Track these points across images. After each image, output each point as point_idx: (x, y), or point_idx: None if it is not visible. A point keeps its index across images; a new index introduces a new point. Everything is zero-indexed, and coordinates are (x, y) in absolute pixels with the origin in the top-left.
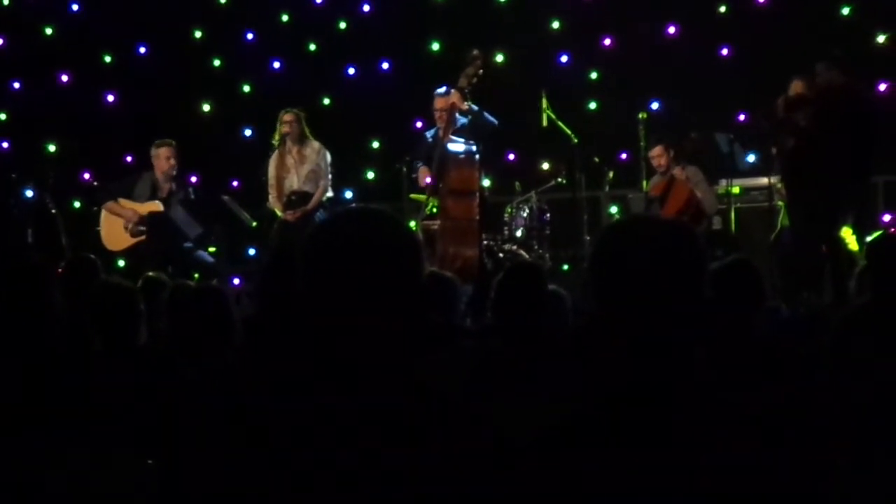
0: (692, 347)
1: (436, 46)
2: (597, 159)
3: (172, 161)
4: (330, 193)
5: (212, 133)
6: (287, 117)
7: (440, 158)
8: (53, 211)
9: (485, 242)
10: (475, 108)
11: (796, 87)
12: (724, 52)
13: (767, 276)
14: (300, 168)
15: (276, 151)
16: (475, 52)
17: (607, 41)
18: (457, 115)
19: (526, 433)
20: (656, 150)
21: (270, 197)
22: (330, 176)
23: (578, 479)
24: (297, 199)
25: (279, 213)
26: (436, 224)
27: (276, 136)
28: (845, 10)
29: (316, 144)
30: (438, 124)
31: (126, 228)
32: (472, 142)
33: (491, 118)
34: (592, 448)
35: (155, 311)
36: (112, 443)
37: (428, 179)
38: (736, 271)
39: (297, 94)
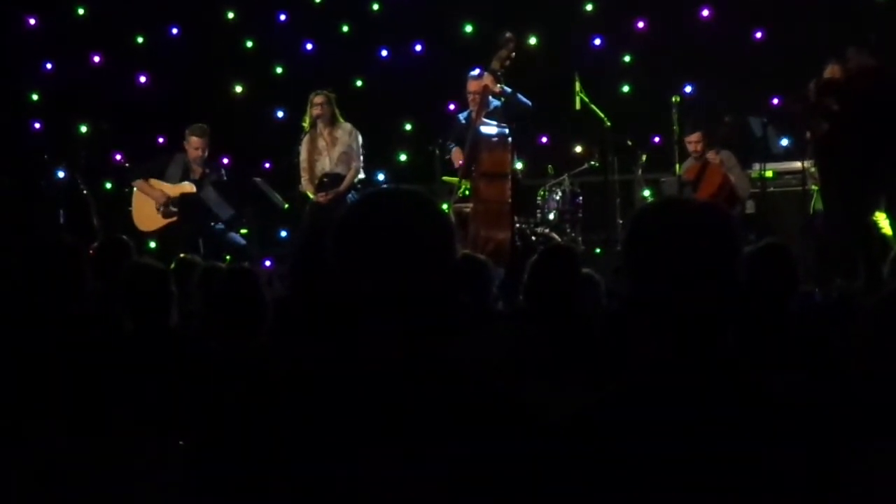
0: (726, 330)
1: (469, 29)
2: (630, 142)
3: (200, 151)
4: (362, 175)
5: (244, 114)
6: (318, 99)
7: (473, 141)
8: (85, 192)
9: (517, 225)
10: (508, 90)
11: (831, 70)
12: (758, 35)
13: (801, 260)
14: (332, 150)
15: (308, 134)
16: (508, 34)
17: (641, 24)
18: (490, 97)
19: (560, 417)
20: (694, 136)
21: (302, 180)
22: (361, 158)
23: (613, 464)
24: (328, 182)
25: (311, 195)
26: (468, 206)
27: (307, 119)
28: None
29: (347, 126)
30: (471, 107)
31: (158, 208)
32: (504, 125)
33: (525, 100)
34: (626, 433)
35: (186, 293)
36: (142, 424)
37: (460, 161)
38: (770, 255)
39: (329, 75)
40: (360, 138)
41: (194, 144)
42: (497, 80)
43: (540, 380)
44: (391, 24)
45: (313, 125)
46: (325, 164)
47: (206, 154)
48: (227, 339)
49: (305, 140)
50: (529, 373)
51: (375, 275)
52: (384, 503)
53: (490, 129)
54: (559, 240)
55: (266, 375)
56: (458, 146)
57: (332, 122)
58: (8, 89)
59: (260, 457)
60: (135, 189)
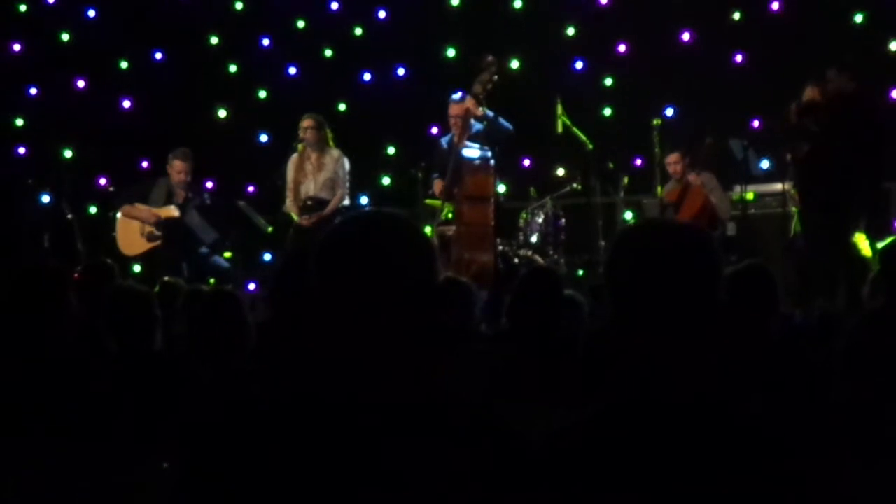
0: (707, 352)
1: (451, 53)
2: (611, 165)
3: (184, 176)
4: (347, 202)
5: (228, 139)
6: (305, 122)
7: (455, 164)
8: (69, 216)
9: (500, 248)
10: (490, 113)
11: (810, 92)
12: (738, 58)
13: (781, 281)
14: (318, 175)
15: (296, 154)
16: (490, 58)
17: (622, 48)
18: (472, 121)
19: (542, 439)
20: (672, 157)
21: (287, 200)
22: (347, 185)
23: (595, 486)
24: (313, 205)
25: (295, 217)
26: (451, 229)
27: (300, 144)
28: (859, 18)
29: (335, 152)
30: (453, 130)
31: (142, 233)
32: (486, 148)
33: (506, 124)
34: (608, 455)
35: (170, 316)
36: (127, 446)
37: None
38: (751, 276)
39: (312, 99)
40: (347, 165)
41: (177, 168)
42: (479, 104)
43: (522, 401)
44: (374, 48)
45: (303, 147)
46: (311, 187)
47: (190, 178)
48: (211, 362)
49: (293, 160)
50: (512, 394)
51: (357, 297)
52: None
53: (473, 152)
54: (542, 262)
55: (248, 398)
56: (440, 174)
57: (320, 147)
58: None
59: (243, 480)
60: (119, 214)
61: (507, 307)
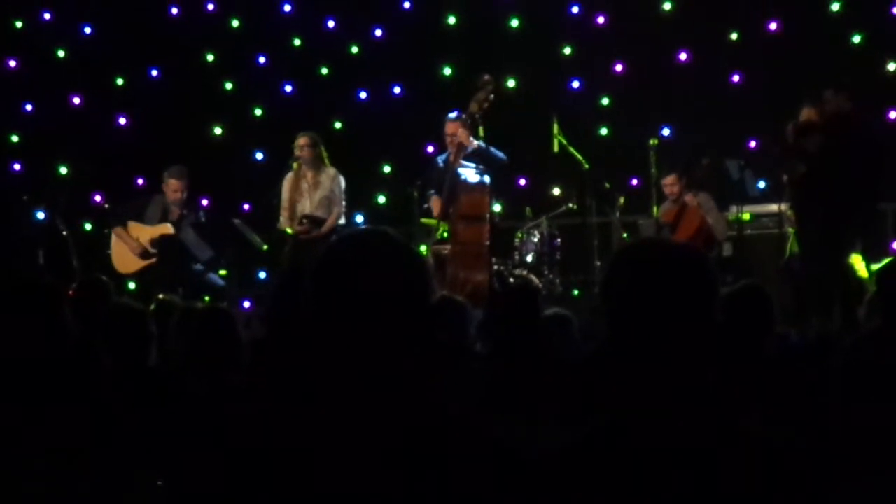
0: (703, 371)
1: (447, 71)
2: (607, 185)
3: (179, 193)
4: (342, 220)
5: (223, 156)
6: (301, 141)
7: (451, 183)
8: (65, 233)
9: (495, 267)
10: (482, 145)
11: (807, 113)
12: (736, 78)
13: (777, 301)
14: (314, 193)
15: (292, 172)
16: (486, 77)
17: (619, 67)
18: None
19: (537, 456)
20: (669, 179)
21: (281, 217)
22: (344, 203)
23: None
24: (308, 223)
25: (290, 231)
26: (446, 248)
27: (296, 162)
28: (856, 39)
29: (331, 171)
30: (449, 149)
31: (136, 252)
32: (482, 167)
33: (498, 154)
34: (604, 474)
35: (165, 333)
36: (121, 463)
37: (439, 210)
38: (747, 296)
39: (308, 117)
40: (343, 183)
41: (173, 187)
42: (475, 125)
43: (516, 419)
44: (370, 67)
45: (299, 165)
46: (306, 205)
47: (185, 195)
48: (205, 379)
49: (289, 178)
50: (506, 412)
51: (353, 315)
52: None
53: (469, 172)
54: (537, 282)
55: (242, 415)
56: (436, 193)
57: (316, 166)
58: None
59: (237, 494)
60: (113, 233)
61: (481, 327)
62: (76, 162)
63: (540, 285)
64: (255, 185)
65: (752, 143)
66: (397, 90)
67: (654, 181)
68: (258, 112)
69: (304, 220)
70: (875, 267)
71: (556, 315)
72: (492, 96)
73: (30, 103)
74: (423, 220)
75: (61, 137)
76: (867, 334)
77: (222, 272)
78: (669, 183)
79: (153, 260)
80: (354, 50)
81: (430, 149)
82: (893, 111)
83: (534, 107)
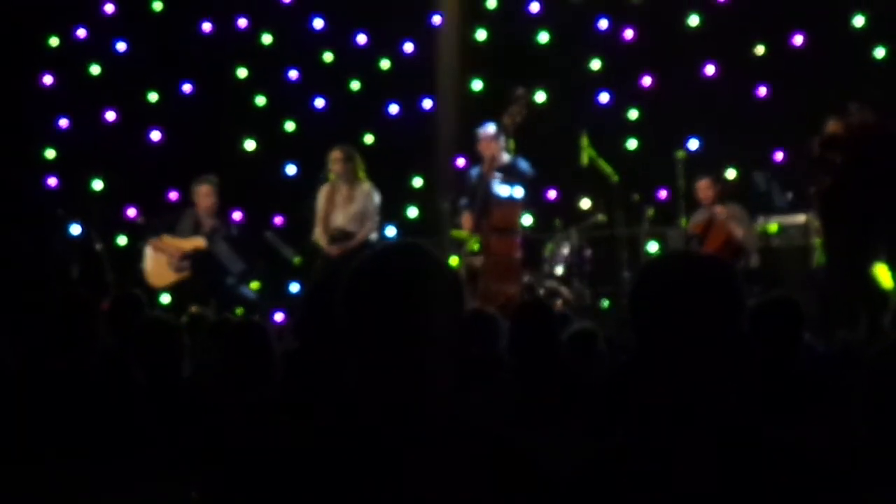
0: (730, 383)
1: (478, 85)
2: (636, 197)
3: (212, 199)
4: (374, 235)
5: (255, 170)
6: (335, 155)
7: (484, 196)
8: (98, 247)
9: (525, 279)
10: (513, 158)
11: (833, 126)
12: (762, 91)
13: (804, 312)
14: (347, 207)
15: (328, 185)
16: (520, 90)
17: (647, 80)
18: (501, 151)
19: (567, 469)
20: (703, 183)
21: (316, 229)
22: (377, 218)
23: None
24: (340, 237)
25: (323, 245)
26: (479, 261)
27: (331, 175)
28: (880, 53)
29: (366, 186)
30: (483, 162)
31: (170, 265)
32: (515, 181)
33: (526, 168)
34: (633, 486)
35: (198, 346)
36: (156, 475)
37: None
38: (775, 308)
39: (339, 131)
40: (377, 199)
41: (203, 192)
42: (507, 138)
43: (545, 431)
44: (399, 81)
45: (335, 179)
46: (340, 219)
47: (216, 204)
48: (238, 392)
49: (324, 191)
50: (535, 424)
51: (384, 328)
52: None
53: (501, 186)
54: (567, 293)
55: (275, 427)
56: (469, 208)
57: (350, 180)
58: (23, 146)
59: None
60: (147, 246)
61: (506, 343)
62: (110, 176)
63: (570, 296)
64: (287, 198)
65: (779, 155)
66: (427, 104)
67: (682, 193)
68: (290, 126)
69: (337, 233)
70: None
71: (581, 331)
72: (525, 110)
73: (64, 118)
74: (454, 232)
75: (95, 152)
76: (892, 344)
77: (254, 285)
78: (703, 187)
79: (186, 274)
80: (385, 65)
81: (461, 161)
82: None
83: (563, 120)
